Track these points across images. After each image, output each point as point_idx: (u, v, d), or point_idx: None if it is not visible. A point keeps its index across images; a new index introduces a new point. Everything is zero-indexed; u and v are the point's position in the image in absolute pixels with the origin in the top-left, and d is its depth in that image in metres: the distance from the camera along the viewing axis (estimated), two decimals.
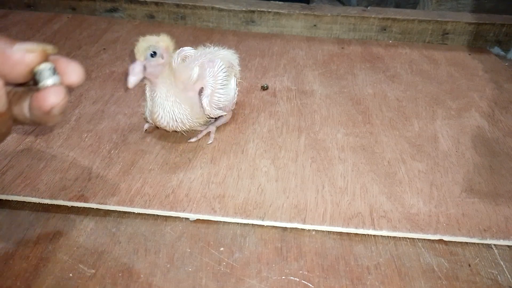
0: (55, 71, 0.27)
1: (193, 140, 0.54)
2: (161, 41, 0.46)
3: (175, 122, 0.50)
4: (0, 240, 0.41)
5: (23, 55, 0.26)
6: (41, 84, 0.27)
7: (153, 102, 0.49)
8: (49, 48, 0.27)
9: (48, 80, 0.27)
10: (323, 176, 0.50)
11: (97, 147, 0.53)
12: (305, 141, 0.56)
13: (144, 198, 0.45)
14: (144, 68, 0.45)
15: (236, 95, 0.57)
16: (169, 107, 0.49)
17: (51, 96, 0.26)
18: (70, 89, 0.60)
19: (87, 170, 0.49)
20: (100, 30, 0.82)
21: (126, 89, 0.48)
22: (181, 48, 0.56)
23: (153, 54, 0.45)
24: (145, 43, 0.45)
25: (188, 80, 0.51)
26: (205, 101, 0.51)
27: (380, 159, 0.53)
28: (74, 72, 0.28)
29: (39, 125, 0.29)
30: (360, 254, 0.42)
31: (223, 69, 0.54)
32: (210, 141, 0.55)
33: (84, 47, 0.76)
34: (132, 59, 0.46)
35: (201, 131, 0.55)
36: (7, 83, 0.28)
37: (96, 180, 0.47)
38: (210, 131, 0.55)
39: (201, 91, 0.52)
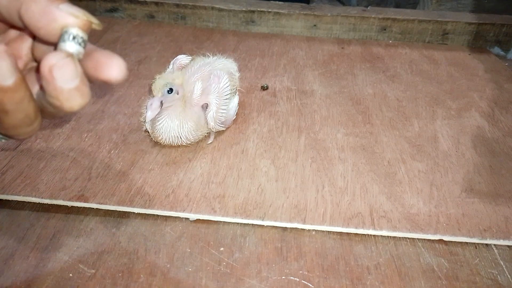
0: (84, 42, 0.24)
1: None
2: (177, 78, 0.49)
3: (180, 139, 0.51)
4: (0, 240, 0.41)
5: (65, 16, 0.23)
6: (57, 46, 0.23)
7: (155, 123, 0.50)
8: (96, 22, 0.24)
9: (67, 44, 0.23)
10: (323, 176, 0.50)
11: (97, 147, 0.53)
12: (305, 141, 0.56)
13: (144, 198, 0.45)
14: (161, 103, 0.48)
15: (236, 112, 0.57)
16: (173, 130, 0.50)
17: (50, 54, 0.22)
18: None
19: (87, 170, 0.49)
20: (100, 30, 0.82)
21: (144, 121, 0.52)
22: (176, 57, 0.57)
23: (170, 91, 0.48)
24: (162, 81, 0.48)
25: (190, 95, 0.51)
26: (210, 117, 0.52)
27: (380, 159, 0.53)
28: (115, 66, 0.24)
29: (59, 112, 0.24)
30: (360, 254, 0.42)
31: (228, 85, 0.54)
32: (210, 141, 0.55)
33: None
34: (150, 95, 0.49)
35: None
36: (38, 40, 0.25)
37: (96, 180, 0.47)
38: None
39: (204, 106, 0.52)
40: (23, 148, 0.52)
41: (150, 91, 0.49)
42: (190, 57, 0.57)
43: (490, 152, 0.56)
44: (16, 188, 0.46)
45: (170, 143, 0.51)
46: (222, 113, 0.53)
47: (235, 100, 0.56)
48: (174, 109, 0.49)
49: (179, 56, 0.57)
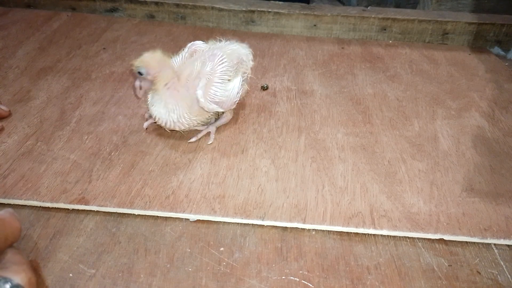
0: None
1: (193, 140, 0.54)
2: (145, 59, 0.49)
3: (173, 121, 0.51)
4: None
5: None
6: None
7: (151, 101, 0.51)
8: None
9: None
10: (323, 176, 0.50)
11: (97, 149, 0.53)
12: (305, 141, 0.56)
13: (144, 200, 0.45)
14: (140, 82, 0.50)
15: (239, 94, 0.54)
16: (167, 109, 0.50)
17: None
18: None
19: (87, 173, 0.49)
20: (99, 29, 0.82)
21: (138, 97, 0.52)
22: (192, 42, 0.56)
23: (140, 73, 0.49)
24: (135, 63, 0.49)
25: (190, 75, 0.51)
26: (199, 92, 0.50)
27: (380, 158, 0.53)
28: None
29: None
30: (360, 254, 0.42)
31: (223, 62, 0.52)
32: (210, 142, 0.55)
33: (84, 46, 0.76)
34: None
35: (201, 131, 0.55)
36: None
37: (96, 182, 0.47)
38: (210, 131, 0.55)
39: None
40: (24, 151, 0.52)
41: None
42: (206, 44, 0.56)
43: (490, 151, 0.56)
44: (17, 192, 0.46)
45: (164, 124, 0.51)
46: (215, 91, 0.51)
47: (237, 80, 0.54)
48: (158, 93, 0.50)
49: (196, 42, 0.56)
